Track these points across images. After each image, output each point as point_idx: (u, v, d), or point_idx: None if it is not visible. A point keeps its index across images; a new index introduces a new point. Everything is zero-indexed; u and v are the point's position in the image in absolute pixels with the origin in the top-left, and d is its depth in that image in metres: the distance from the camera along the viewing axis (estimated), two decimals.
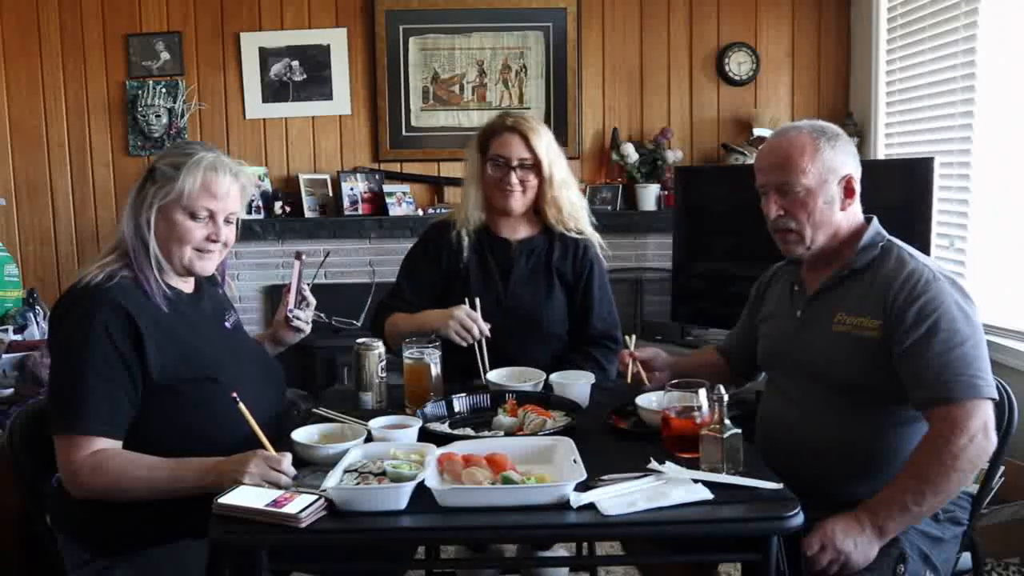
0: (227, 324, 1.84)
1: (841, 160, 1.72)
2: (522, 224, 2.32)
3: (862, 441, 1.68)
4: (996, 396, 1.60)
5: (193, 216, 1.67)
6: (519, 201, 2.24)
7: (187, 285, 1.77)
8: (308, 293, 2.00)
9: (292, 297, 1.98)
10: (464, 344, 2.07)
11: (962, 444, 1.53)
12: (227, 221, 1.73)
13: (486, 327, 2.07)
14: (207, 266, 1.74)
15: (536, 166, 2.21)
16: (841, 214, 1.74)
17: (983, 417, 1.55)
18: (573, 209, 2.29)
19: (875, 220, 1.78)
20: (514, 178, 2.20)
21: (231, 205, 1.72)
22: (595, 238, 2.34)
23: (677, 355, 2.11)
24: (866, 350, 1.66)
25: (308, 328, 2.00)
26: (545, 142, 2.23)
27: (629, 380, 1.93)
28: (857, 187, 1.75)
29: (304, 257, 1.97)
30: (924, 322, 1.60)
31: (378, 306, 2.33)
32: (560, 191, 2.26)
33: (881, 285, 1.67)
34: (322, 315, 2.00)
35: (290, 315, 1.97)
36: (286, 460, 1.45)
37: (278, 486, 1.40)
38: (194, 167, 1.66)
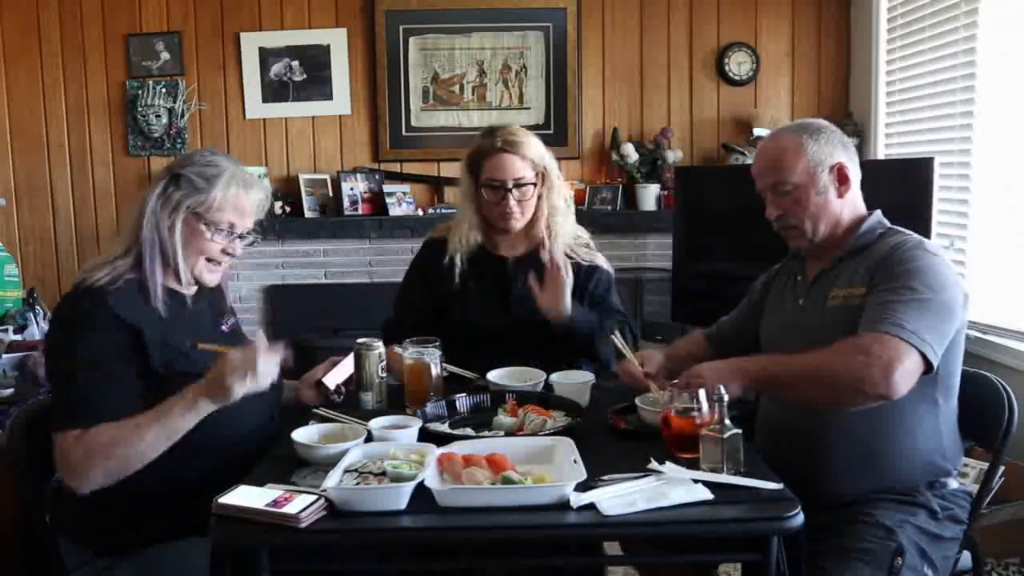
0: (224, 328, 1.85)
1: (827, 151, 1.75)
2: (521, 240, 2.26)
3: (866, 434, 1.66)
4: (930, 357, 1.52)
5: (215, 229, 1.69)
6: (520, 221, 2.20)
7: (190, 289, 1.77)
8: (353, 378, 1.96)
9: (340, 374, 1.95)
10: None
11: (857, 361, 1.50)
12: (241, 236, 1.75)
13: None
14: (214, 278, 1.76)
15: (536, 177, 2.17)
16: (839, 202, 1.77)
17: (892, 355, 1.49)
18: (566, 221, 2.25)
19: (878, 212, 1.81)
20: (512, 201, 2.16)
21: (251, 222, 1.75)
22: (599, 258, 2.28)
23: (664, 351, 2.05)
24: (856, 318, 1.63)
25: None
26: (537, 151, 2.19)
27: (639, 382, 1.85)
28: (851, 174, 1.77)
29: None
30: (892, 277, 1.61)
31: (383, 331, 2.25)
32: (557, 199, 2.22)
33: (872, 259, 1.70)
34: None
35: (330, 387, 1.93)
36: (261, 343, 1.55)
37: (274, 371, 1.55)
38: (226, 181, 1.69)
